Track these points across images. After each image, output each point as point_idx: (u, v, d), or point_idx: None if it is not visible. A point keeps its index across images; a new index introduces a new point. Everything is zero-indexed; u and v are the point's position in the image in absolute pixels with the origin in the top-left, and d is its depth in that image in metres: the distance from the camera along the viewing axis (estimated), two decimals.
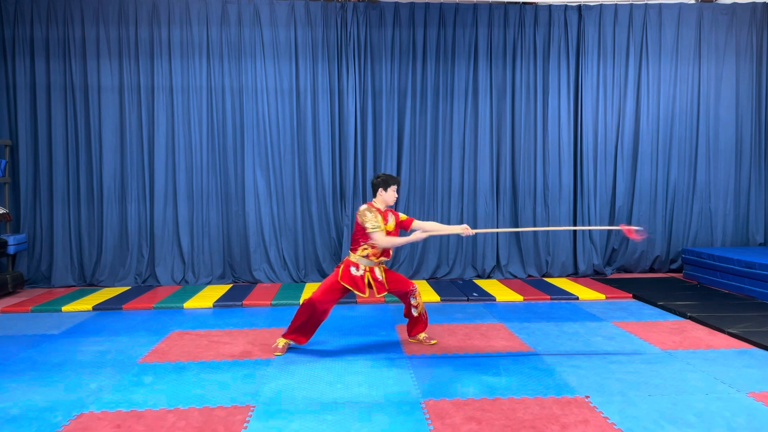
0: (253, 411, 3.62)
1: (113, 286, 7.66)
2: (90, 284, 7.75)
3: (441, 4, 7.96)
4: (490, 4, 8.04)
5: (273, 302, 6.62)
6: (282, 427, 3.39)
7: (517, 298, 6.78)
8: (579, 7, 8.16)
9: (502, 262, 8.16)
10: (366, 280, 4.69)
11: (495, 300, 6.75)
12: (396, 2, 7.92)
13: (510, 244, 8.24)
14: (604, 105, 8.24)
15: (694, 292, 6.94)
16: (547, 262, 8.21)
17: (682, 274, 8.17)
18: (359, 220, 4.65)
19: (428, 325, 5.21)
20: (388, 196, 4.75)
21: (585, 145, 8.20)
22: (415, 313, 4.90)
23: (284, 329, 5.53)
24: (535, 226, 8.17)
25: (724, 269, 7.10)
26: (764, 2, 8.32)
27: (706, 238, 8.47)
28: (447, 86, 8.05)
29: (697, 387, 3.97)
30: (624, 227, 5.02)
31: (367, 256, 4.70)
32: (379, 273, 4.75)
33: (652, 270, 8.44)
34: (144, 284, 7.74)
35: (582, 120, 8.20)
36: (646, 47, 8.23)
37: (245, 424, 3.42)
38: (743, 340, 4.99)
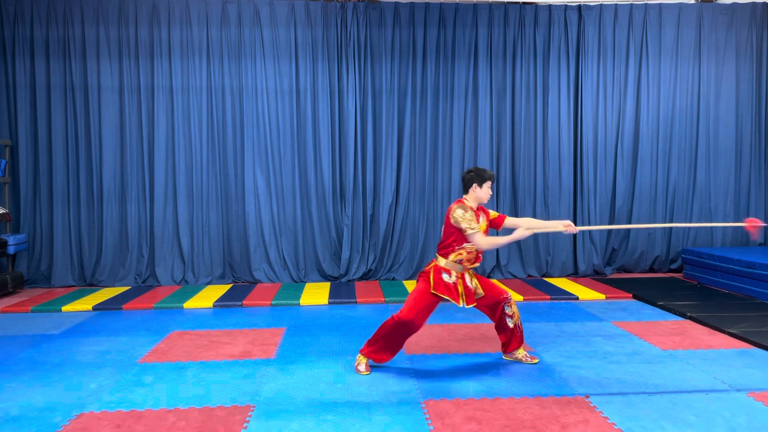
0: (253, 411, 3.62)
1: (113, 286, 7.65)
2: (90, 284, 7.74)
3: (441, 4, 7.95)
4: (490, 4, 8.04)
5: (273, 302, 6.62)
6: (282, 427, 3.39)
7: (517, 298, 6.77)
8: (579, 7, 8.16)
9: (502, 261, 8.15)
10: (459, 289, 4.19)
11: None
12: (396, 2, 7.92)
13: (510, 243, 8.21)
14: (604, 105, 8.24)
15: (694, 292, 6.94)
16: (547, 262, 8.21)
17: (682, 274, 8.17)
18: (452, 220, 4.13)
19: (523, 339, 4.56)
20: (482, 192, 4.21)
21: (585, 145, 8.19)
22: (510, 324, 4.39)
23: (284, 329, 5.54)
24: None
25: (724, 269, 7.10)
26: (764, 2, 8.31)
27: (706, 238, 8.47)
28: (447, 86, 8.04)
29: (697, 387, 3.97)
30: (749, 223, 4.32)
31: (460, 261, 4.19)
32: (469, 280, 4.26)
33: (652, 270, 8.43)
34: (144, 284, 7.73)
35: (582, 120, 8.20)
36: (646, 47, 8.23)
37: (245, 424, 3.42)
38: (743, 340, 4.99)
